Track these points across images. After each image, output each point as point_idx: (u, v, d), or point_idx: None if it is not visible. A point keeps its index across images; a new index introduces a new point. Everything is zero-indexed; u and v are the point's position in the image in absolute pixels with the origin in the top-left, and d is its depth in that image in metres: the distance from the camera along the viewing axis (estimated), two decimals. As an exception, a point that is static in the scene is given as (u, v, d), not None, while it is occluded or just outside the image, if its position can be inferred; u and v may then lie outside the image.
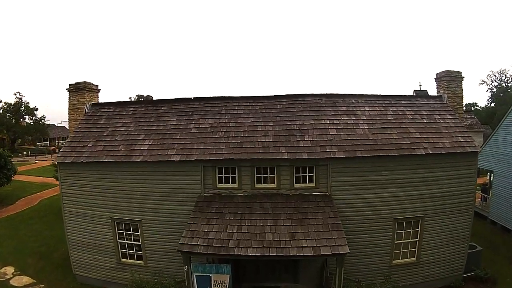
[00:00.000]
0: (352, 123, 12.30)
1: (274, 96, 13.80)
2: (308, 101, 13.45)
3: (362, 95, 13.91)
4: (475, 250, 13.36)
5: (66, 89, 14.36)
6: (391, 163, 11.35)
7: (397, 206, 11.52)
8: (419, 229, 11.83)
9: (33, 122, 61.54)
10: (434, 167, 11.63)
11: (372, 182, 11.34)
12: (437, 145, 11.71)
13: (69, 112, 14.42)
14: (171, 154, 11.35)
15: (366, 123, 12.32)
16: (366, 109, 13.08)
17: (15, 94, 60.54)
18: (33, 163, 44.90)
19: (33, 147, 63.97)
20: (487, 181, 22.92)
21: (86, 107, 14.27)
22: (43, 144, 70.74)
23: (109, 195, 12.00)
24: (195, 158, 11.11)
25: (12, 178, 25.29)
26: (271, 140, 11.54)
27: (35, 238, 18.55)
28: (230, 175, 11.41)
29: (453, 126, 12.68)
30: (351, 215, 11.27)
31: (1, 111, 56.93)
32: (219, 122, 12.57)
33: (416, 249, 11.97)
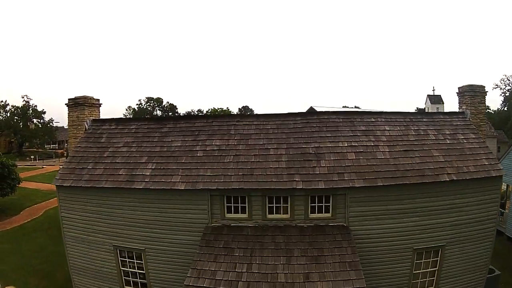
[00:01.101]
0: (372, 146, 11.37)
1: (287, 114, 12.90)
2: (324, 119, 12.51)
3: (381, 112, 13.03)
4: (493, 275, 12.68)
5: (65, 104, 13.73)
6: (414, 191, 10.50)
7: (418, 235, 10.72)
8: (438, 258, 11.07)
9: (41, 125, 61.72)
10: (458, 193, 10.81)
11: (393, 211, 10.49)
12: (462, 169, 10.86)
13: (68, 128, 13.81)
14: (176, 182, 10.55)
15: (387, 145, 11.41)
16: (386, 128, 12.15)
17: (23, 97, 60.89)
18: (40, 168, 44.56)
19: (41, 150, 64.03)
20: (503, 193, 21.82)
21: (86, 123, 13.56)
22: (51, 147, 70.90)
23: (111, 222, 11.32)
24: (201, 187, 10.31)
25: (18, 186, 24.99)
26: (284, 166, 10.63)
27: (37, 254, 18.19)
28: (239, 205, 10.60)
29: (477, 147, 11.84)
30: (369, 246, 10.45)
31: (8, 115, 57.21)
32: (228, 144, 11.70)
33: (435, 278, 11.20)
